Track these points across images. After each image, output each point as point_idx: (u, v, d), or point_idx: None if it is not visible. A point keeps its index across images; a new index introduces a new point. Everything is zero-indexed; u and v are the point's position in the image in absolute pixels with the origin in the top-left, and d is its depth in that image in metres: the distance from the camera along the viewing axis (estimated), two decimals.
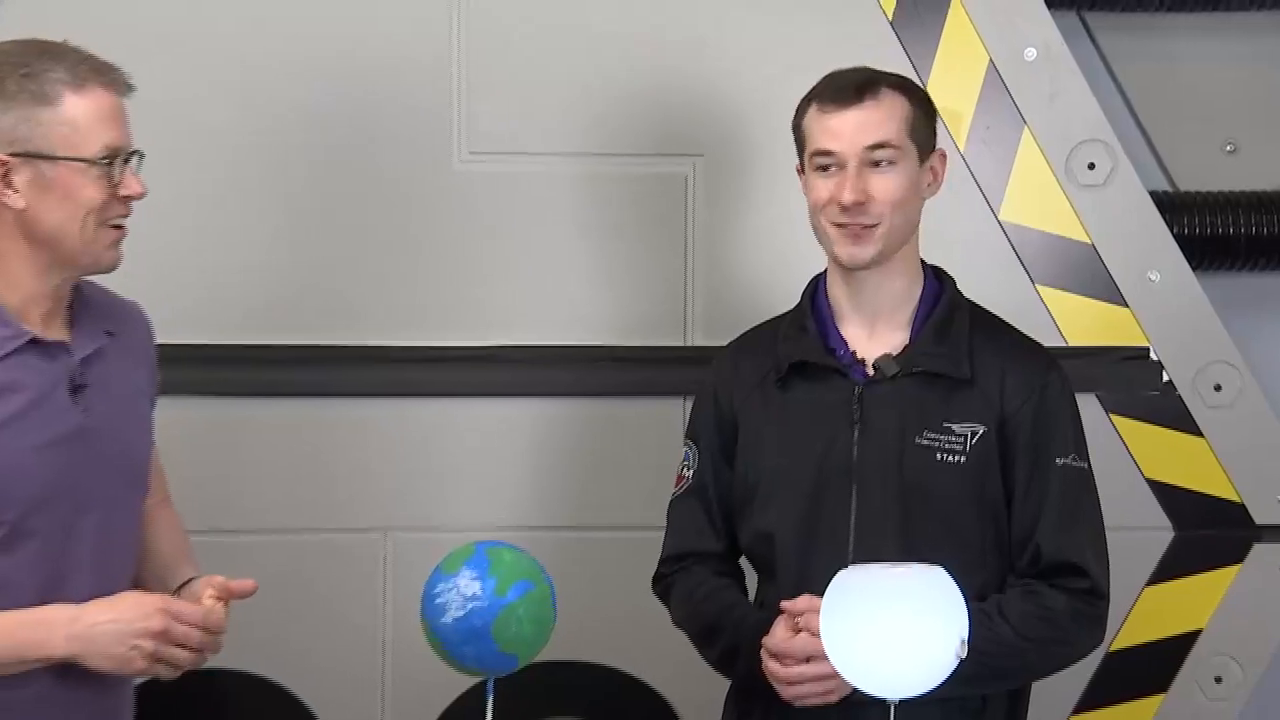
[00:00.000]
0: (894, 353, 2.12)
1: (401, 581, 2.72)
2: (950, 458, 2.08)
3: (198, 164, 2.70)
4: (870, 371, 2.12)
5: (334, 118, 2.73)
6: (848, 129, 2.07)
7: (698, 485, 2.22)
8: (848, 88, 2.08)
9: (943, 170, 2.14)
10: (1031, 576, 2.08)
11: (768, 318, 2.28)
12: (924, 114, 2.11)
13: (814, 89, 2.14)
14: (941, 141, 2.28)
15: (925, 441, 2.08)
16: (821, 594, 1.81)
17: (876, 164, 2.07)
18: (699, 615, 2.17)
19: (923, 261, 2.18)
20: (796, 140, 2.15)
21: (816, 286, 2.20)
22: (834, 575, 1.80)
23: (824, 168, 2.09)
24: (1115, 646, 2.82)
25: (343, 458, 2.75)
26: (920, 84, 2.24)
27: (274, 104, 2.72)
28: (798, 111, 2.14)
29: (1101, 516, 2.13)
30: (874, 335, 2.13)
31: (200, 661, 1.86)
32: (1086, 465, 2.12)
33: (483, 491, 2.78)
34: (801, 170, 2.15)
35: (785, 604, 2.02)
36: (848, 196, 2.05)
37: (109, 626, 1.82)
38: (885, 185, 2.07)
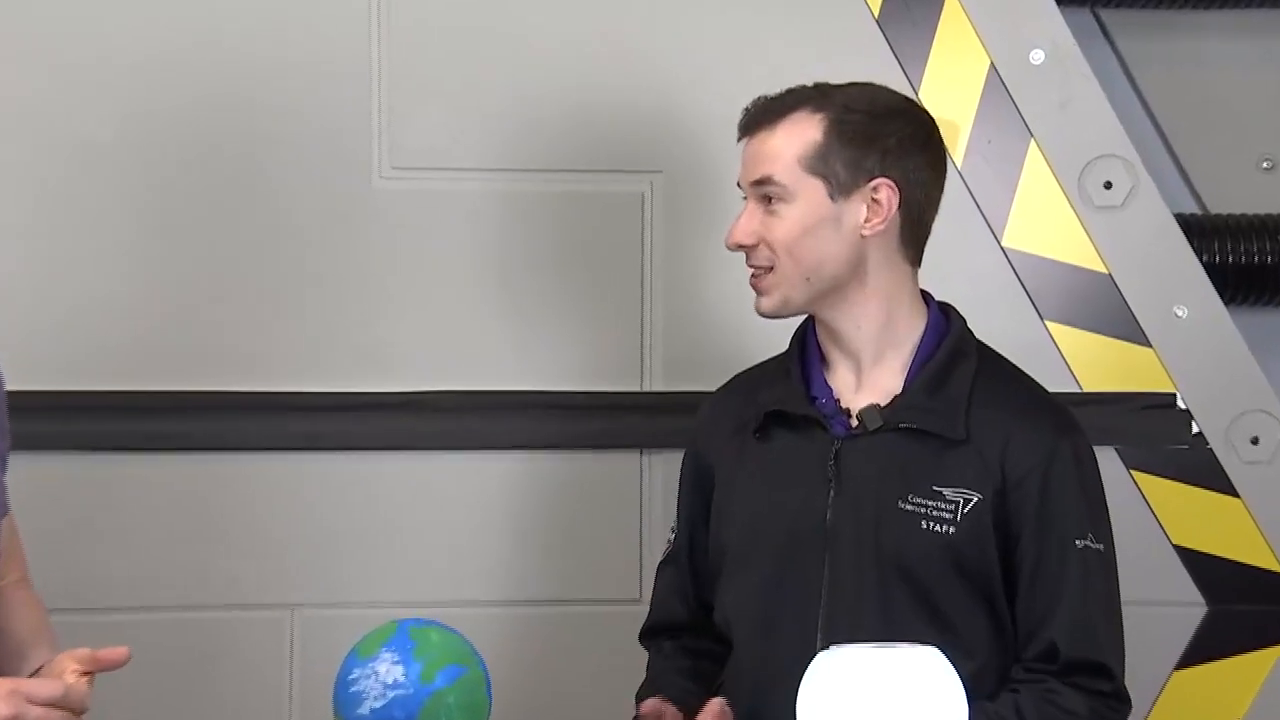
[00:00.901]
0: (882, 403, 2.11)
1: (310, 667, 2.71)
2: (937, 526, 2.06)
3: (57, 180, 2.68)
4: (854, 424, 2.11)
5: (227, 126, 2.72)
6: (745, 161, 2.12)
7: (676, 549, 2.26)
8: (750, 115, 2.12)
9: (891, 201, 2.08)
10: (1045, 672, 2.06)
11: (737, 358, 2.30)
12: (851, 144, 2.07)
13: None
14: None
15: (909, 507, 2.07)
16: (784, 676, 1.80)
17: (768, 200, 2.09)
18: (639, 697, 2.19)
19: (928, 297, 2.17)
20: None
21: (807, 327, 2.19)
22: (799, 656, 1.79)
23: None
24: None
25: (238, 522, 2.73)
26: (907, 93, 2.22)
27: (152, 110, 2.70)
28: None
29: (1119, 603, 2.12)
30: (865, 382, 2.13)
31: None
32: (1105, 545, 2.11)
33: (405, 561, 2.76)
34: None
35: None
36: (731, 237, 2.12)
37: None
38: (774, 226, 2.09)
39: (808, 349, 2.17)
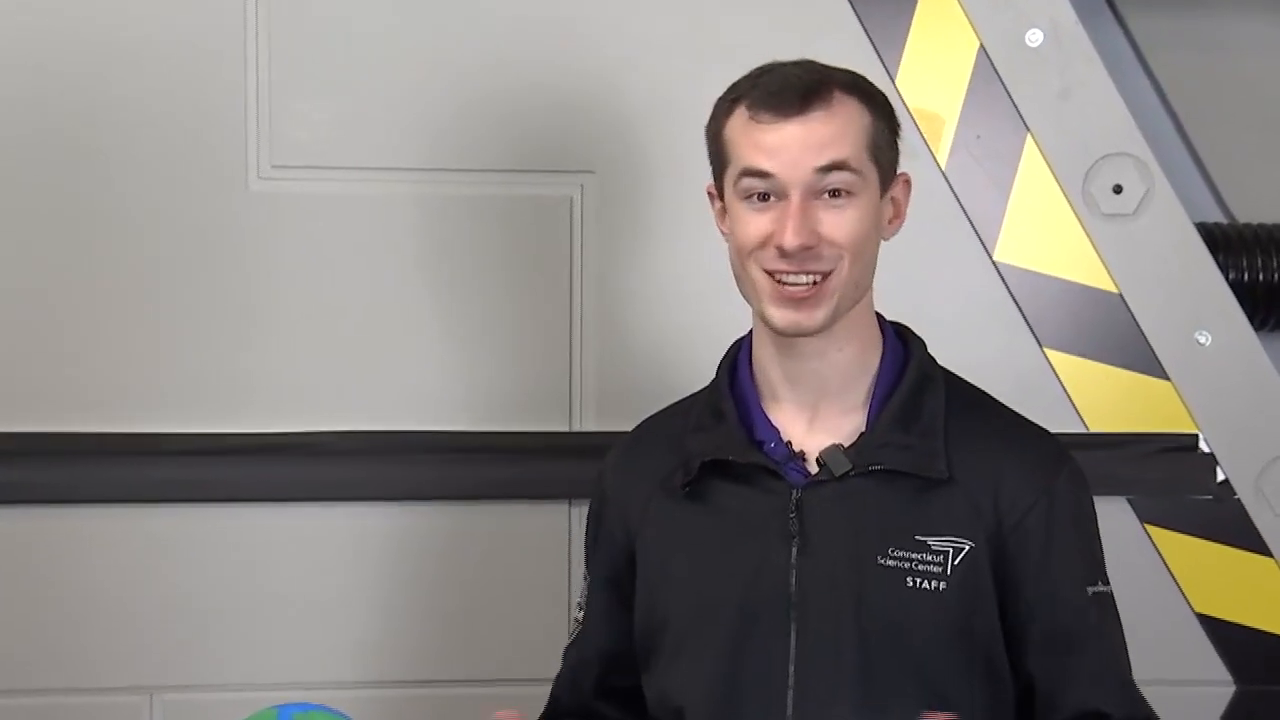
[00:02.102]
0: (845, 443, 2.08)
1: None
2: (926, 583, 2.05)
3: None
4: (813, 469, 2.08)
5: (73, 119, 2.71)
6: (791, 145, 2.03)
7: (583, 632, 2.23)
8: (791, 90, 2.04)
9: (906, 202, 2.11)
10: None
11: (682, 391, 2.24)
12: (887, 126, 2.09)
13: (739, 86, 2.07)
14: (918, 155, 2.28)
15: (891, 562, 2.05)
16: None
17: (829, 194, 2.04)
18: None
19: (880, 318, 2.14)
20: (712, 154, 2.10)
21: (737, 357, 2.16)
22: None
23: (756, 195, 2.05)
24: None
25: (86, 589, 2.71)
26: (882, 80, 2.22)
27: None
28: (715, 114, 2.09)
29: (1125, 645, 2.13)
30: (817, 420, 2.11)
31: None
32: (1110, 587, 2.12)
33: (286, 634, 2.74)
34: (718, 195, 2.10)
35: None
36: (790, 239, 2.01)
37: None
38: (841, 222, 2.03)
39: (739, 382, 2.14)
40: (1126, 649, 2.12)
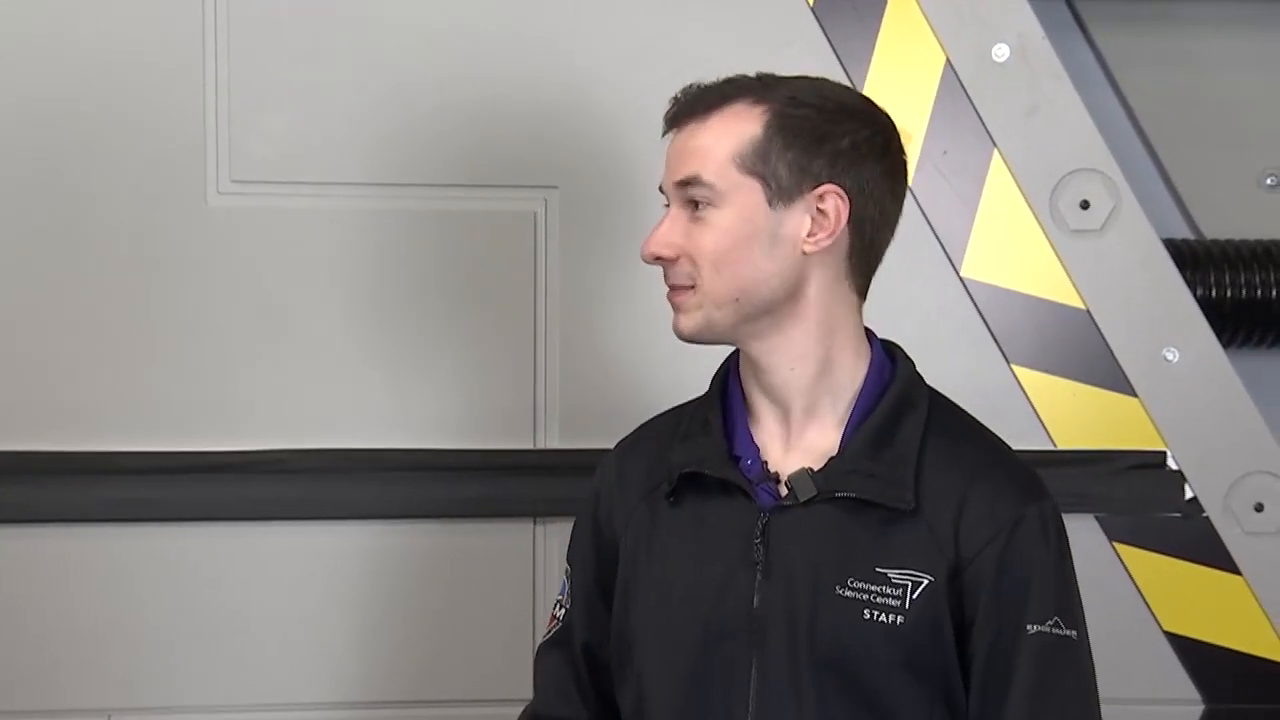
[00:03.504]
0: (817, 466, 2.07)
1: None
2: (883, 616, 2.04)
3: None
4: (784, 491, 2.07)
5: (29, 133, 2.70)
6: (670, 159, 2.09)
7: (564, 631, 2.22)
8: (684, 102, 2.09)
9: (840, 213, 2.06)
10: None
11: (647, 412, 2.26)
12: (797, 142, 2.05)
13: None
14: None
15: (850, 593, 2.04)
16: None
17: (693, 205, 2.07)
18: None
19: (871, 335, 2.14)
20: None
21: (729, 369, 2.16)
22: None
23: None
24: None
25: (45, 610, 2.69)
26: (843, 90, 2.22)
27: None
28: None
29: (1094, 700, 2.08)
30: (793, 439, 2.10)
31: None
32: (1077, 632, 2.08)
33: (248, 656, 2.73)
34: None
35: None
36: (646, 247, 2.09)
37: None
38: (698, 235, 2.06)
39: (730, 395, 2.14)
40: (1082, 705, 2.07)
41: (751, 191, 2.05)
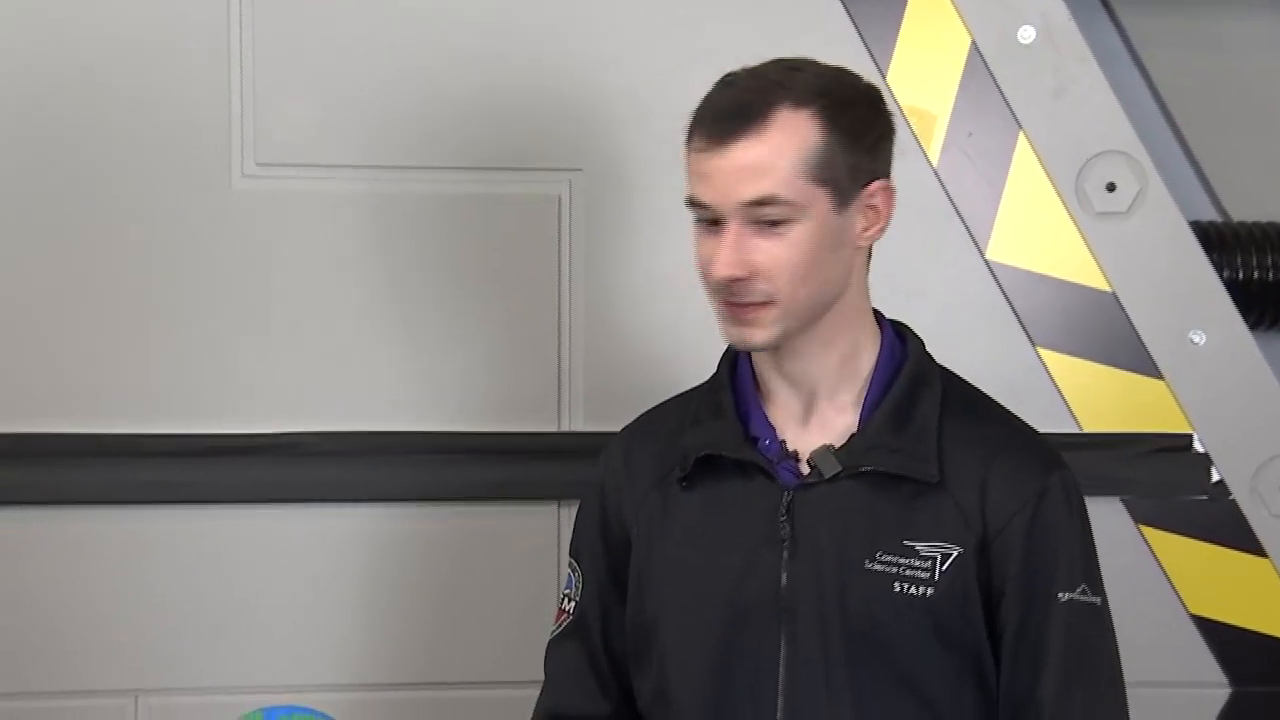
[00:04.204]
0: (837, 444, 2.09)
1: None
2: (913, 588, 2.05)
3: None
4: (806, 470, 2.09)
5: (56, 117, 2.71)
6: (722, 176, 2.03)
7: (579, 623, 2.21)
8: (725, 115, 2.03)
9: (888, 206, 2.09)
10: None
11: (672, 392, 2.25)
12: (848, 138, 2.05)
13: (703, 100, 2.07)
14: (910, 153, 2.27)
15: (879, 566, 2.06)
16: None
17: (766, 223, 2.03)
18: None
19: (880, 315, 2.14)
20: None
21: (737, 351, 2.15)
22: None
23: (705, 222, 2.05)
24: None
25: (69, 592, 2.71)
26: (873, 77, 2.23)
27: None
28: (689, 128, 2.08)
29: (1120, 665, 2.12)
30: (812, 418, 2.11)
31: None
32: (1100, 599, 2.11)
33: (271, 637, 2.76)
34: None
35: None
36: (719, 270, 2.03)
37: None
38: (776, 252, 2.03)
39: (740, 377, 2.15)
40: (1109, 667, 2.11)
41: (821, 200, 2.04)
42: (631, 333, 2.80)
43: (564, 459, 2.76)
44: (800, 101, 2.03)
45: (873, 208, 2.07)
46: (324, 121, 2.76)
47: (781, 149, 2.02)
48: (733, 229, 2.04)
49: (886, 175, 2.08)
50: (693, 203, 2.06)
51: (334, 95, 2.75)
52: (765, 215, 2.02)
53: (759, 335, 2.06)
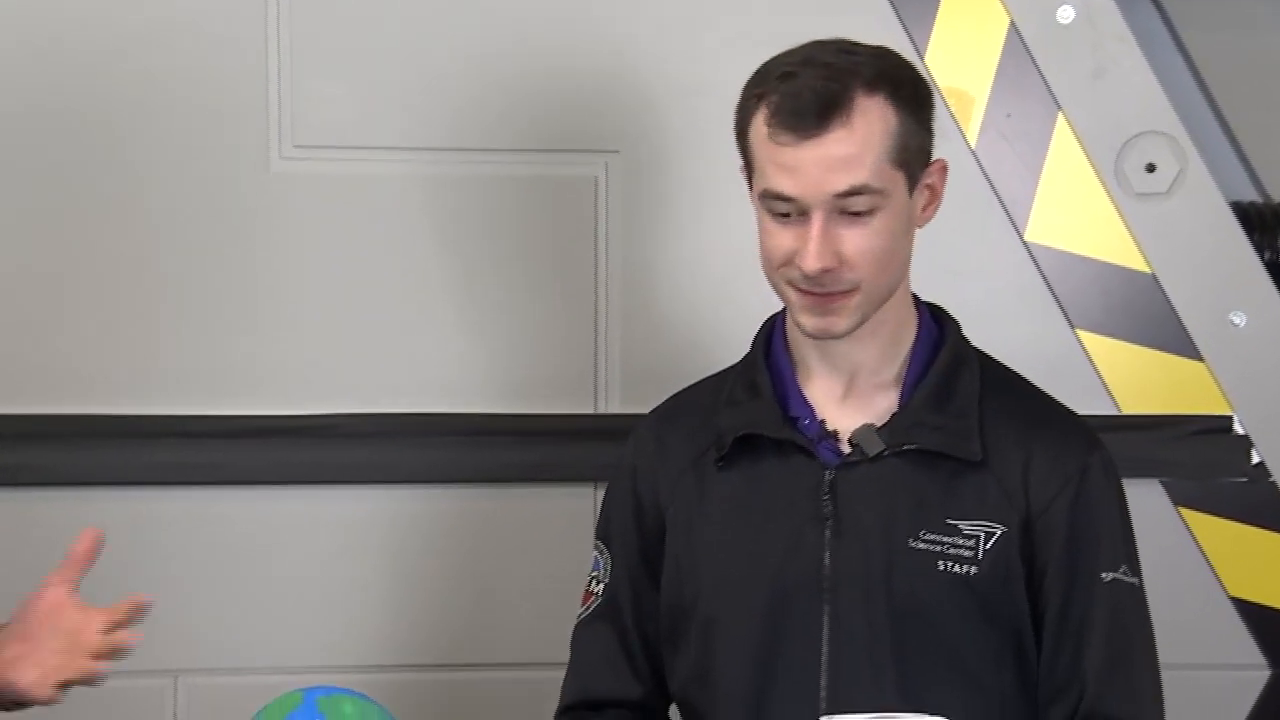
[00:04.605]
0: (878, 423, 2.10)
1: None
2: (957, 567, 2.07)
3: None
4: (846, 449, 2.10)
5: (91, 99, 2.72)
6: (810, 169, 2.04)
7: (608, 606, 2.22)
8: (809, 106, 2.03)
9: (943, 185, 2.12)
10: None
11: (705, 374, 2.27)
12: (915, 119, 2.07)
13: (765, 78, 2.07)
14: (948, 135, 2.28)
15: (923, 545, 2.08)
16: None
17: (852, 213, 2.05)
18: None
19: (915, 298, 2.16)
20: (740, 148, 2.11)
21: (772, 330, 2.18)
22: None
23: (780, 214, 2.06)
24: None
25: (109, 573, 2.68)
26: (911, 57, 2.23)
27: (12, 87, 2.71)
28: (742, 106, 2.09)
29: (1155, 645, 2.14)
30: (850, 398, 2.13)
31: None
32: (1139, 580, 2.13)
33: (311, 618, 2.78)
34: (749, 183, 2.11)
35: None
36: (812, 264, 2.03)
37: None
38: (863, 241, 2.05)
39: (775, 357, 2.17)
40: (1147, 648, 2.13)
41: (900, 184, 2.07)
42: (668, 314, 2.83)
43: (600, 441, 2.75)
44: (872, 87, 2.05)
45: (930, 187, 2.11)
46: (361, 104, 2.77)
47: (870, 138, 2.04)
48: (819, 220, 2.04)
49: (934, 152, 2.11)
50: (774, 195, 2.05)
51: (371, 78, 2.77)
52: (854, 205, 2.04)
53: (842, 323, 2.08)
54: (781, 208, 2.05)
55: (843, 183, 2.03)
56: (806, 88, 2.03)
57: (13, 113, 2.72)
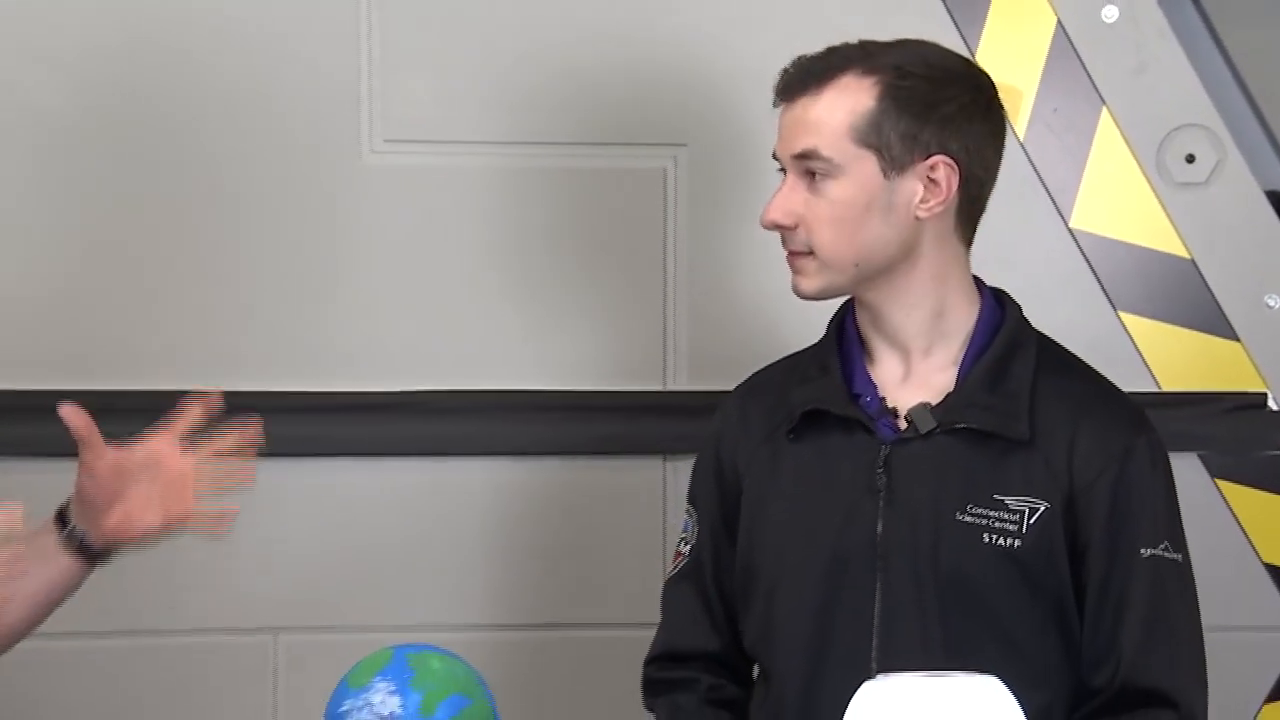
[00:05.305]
0: (934, 401, 2.13)
1: (296, 697, 2.76)
2: (1001, 540, 2.09)
3: (9, 159, 2.73)
4: (903, 426, 2.13)
5: (195, 97, 2.76)
6: (784, 129, 2.13)
7: (694, 565, 2.26)
8: (794, 77, 2.12)
9: (950, 181, 2.10)
10: (1105, 710, 2.09)
11: (771, 355, 2.31)
12: (909, 111, 2.08)
13: None
14: None
15: (969, 519, 2.10)
16: (833, 711, 1.79)
17: (811, 175, 2.10)
18: None
19: (980, 283, 2.20)
20: None
21: (845, 315, 2.22)
22: (851, 687, 1.75)
23: (781, 174, 2.15)
24: None
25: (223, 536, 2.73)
26: (965, 54, 2.26)
27: (107, 78, 2.74)
28: None
29: (1199, 621, 2.15)
30: (911, 377, 2.16)
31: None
32: (1182, 556, 2.14)
33: (401, 581, 2.80)
34: None
35: None
36: (767, 214, 2.13)
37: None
38: (816, 207, 2.10)
39: (846, 339, 2.20)
40: (1189, 624, 2.13)
41: (866, 163, 2.09)
42: (731, 298, 2.84)
43: (669, 416, 2.80)
44: (868, 70, 2.09)
45: (933, 180, 2.10)
46: (445, 101, 2.80)
47: (834, 109, 2.08)
48: (789, 180, 2.12)
49: (957, 150, 2.09)
50: (774, 155, 2.15)
51: (453, 76, 2.79)
52: (808, 167, 2.10)
53: (804, 284, 2.13)
54: (776, 167, 2.14)
55: (799, 145, 2.10)
56: (803, 62, 2.12)
57: (125, 107, 2.75)
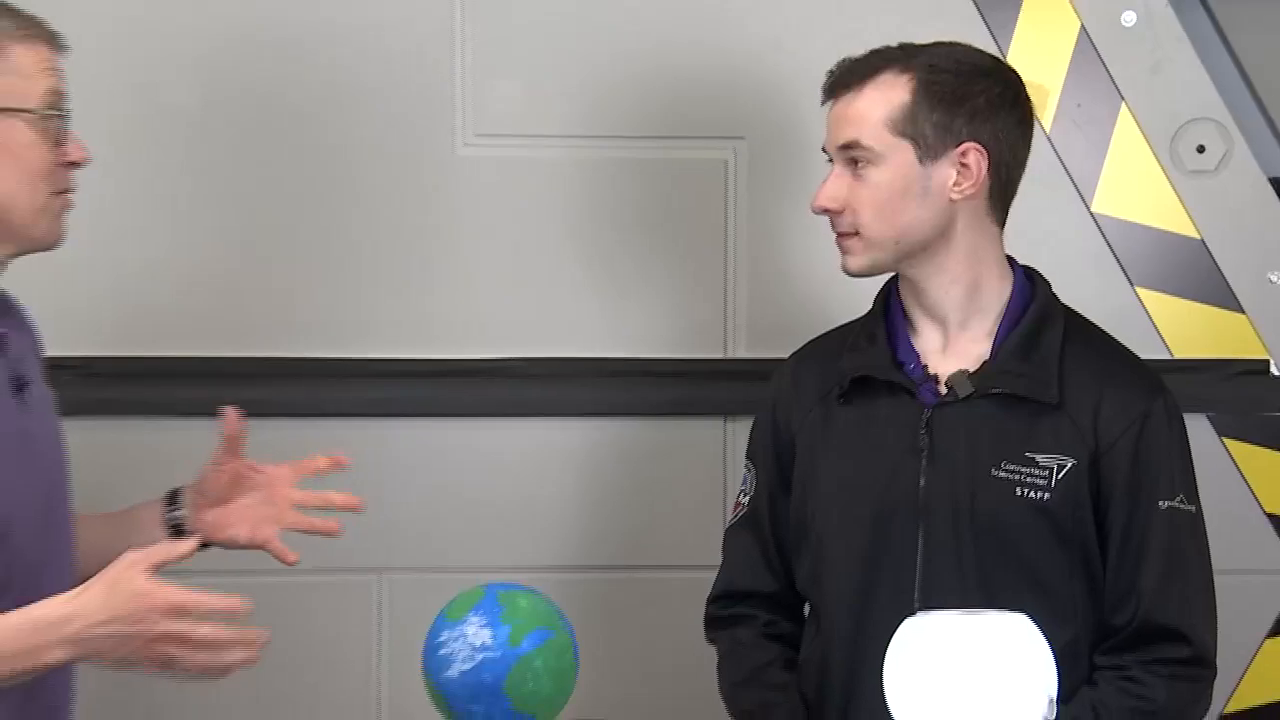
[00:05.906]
0: (972, 368, 2.16)
1: (399, 630, 2.80)
2: (1032, 493, 2.13)
3: (149, 152, 2.78)
4: (943, 390, 2.17)
5: (308, 93, 2.80)
6: (831, 125, 2.18)
7: (753, 514, 2.30)
8: (834, 78, 2.17)
9: (981, 165, 2.13)
10: (1125, 645, 2.13)
11: (821, 326, 2.37)
12: (942, 105, 2.12)
13: None
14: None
15: (1003, 474, 2.14)
16: (880, 650, 1.82)
17: (855, 163, 2.15)
18: (736, 700, 2.28)
19: (1012, 261, 2.24)
20: None
21: (890, 289, 2.27)
22: (894, 624, 1.81)
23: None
24: (1230, 709, 2.86)
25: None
26: (997, 54, 2.28)
27: (232, 76, 2.79)
28: None
29: (1210, 567, 2.19)
30: (950, 347, 2.19)
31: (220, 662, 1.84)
32: (1195, 508, 2.18)
33: (492, 526, 2.85)
34: None
35: None
36: (817, 200, 2.18)
37: (106, 630, 1.78)
38: (861, 191, 2.14)
39: (892, 311, 2.23)
40: (1200, 569, 2.16)
41: (904, 151, 2.13)
42: (786, 274, 2.87)
43: (730, 380, 2.84)
44: (904, 68, 2.14)
45: (965, 165, 2.13)
46: (531, 99, 2.84)
47: (873, 104, 2.13)
48: (835, 169, 2.17)
49: (986, 137, 2.12)
50: (824, 149, 2.20)
51: (539, 77, 2.83)
52: (851, 156, 2.14)
53: (851, 262, 2.18)
54: (826, 159, 2.19)
55: (843, 136, 2.15)
56: (846, 63, 2.17)
57: (255, 108, 2.79)
